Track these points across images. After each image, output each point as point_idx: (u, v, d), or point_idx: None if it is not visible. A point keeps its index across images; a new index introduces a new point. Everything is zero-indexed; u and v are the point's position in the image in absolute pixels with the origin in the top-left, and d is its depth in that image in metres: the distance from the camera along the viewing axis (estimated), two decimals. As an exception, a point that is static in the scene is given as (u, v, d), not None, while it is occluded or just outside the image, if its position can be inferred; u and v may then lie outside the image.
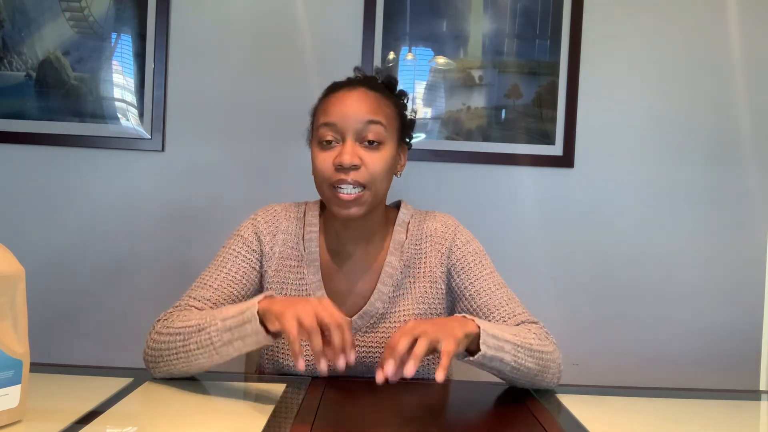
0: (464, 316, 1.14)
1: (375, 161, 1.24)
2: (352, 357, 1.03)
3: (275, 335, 1.09)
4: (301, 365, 1.02)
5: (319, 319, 1.03)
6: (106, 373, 1.24)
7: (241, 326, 1.09)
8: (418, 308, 1.32)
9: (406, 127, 1.35)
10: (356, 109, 1.24)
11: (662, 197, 2.24)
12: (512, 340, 1.15)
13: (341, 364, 1.02)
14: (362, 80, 1.32)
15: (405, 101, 1.37)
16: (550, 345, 1.22)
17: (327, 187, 1.25)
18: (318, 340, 1.01)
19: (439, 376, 1.01)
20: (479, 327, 1.11)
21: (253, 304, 1.09)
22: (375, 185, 1.24)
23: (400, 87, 1.38)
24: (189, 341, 1.14)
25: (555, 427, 1.05)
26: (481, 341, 1.10)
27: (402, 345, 1.02)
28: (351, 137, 1.24)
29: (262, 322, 1.07)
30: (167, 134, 2.19)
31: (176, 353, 1.15)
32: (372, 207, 1.27)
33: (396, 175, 1.33)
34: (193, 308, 1.24)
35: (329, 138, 1.24)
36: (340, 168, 1.22)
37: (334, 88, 1.30)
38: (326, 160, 1.24)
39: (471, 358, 1.12)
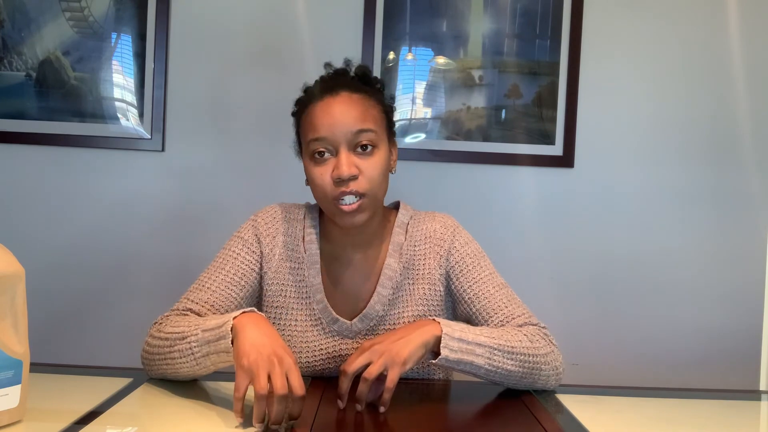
0: (434, 319, 1.16)
1: (371, 167, 1.23)
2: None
3: None
4: (239, 419, 0.99)
5: (273, 385, 0.96)
6: (106, 373, 1.24)
7: (216, 341, 1.07)
8: (417, 310, 1.31)
9: (391, 122, 1.33)
10: (344, 119, 1.22)
11: (662, 197, 2.24)
12: (488, 343, 1.15)
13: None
14: (340, 81, 1.28)
15: (382, 89, 1.33)
16: (545, 347, 1.22)
17: (329, 202, 1.23)
18: (261, 408, 0.96)
19: (381, 408, 1.09)
20: (442, 331, 1.13)
21: (229, 320, 1.06)
22: (374, 191, 1.24)
23: (377, 76, 1.35)
24: (173, 348, 1.13)
25: (555, 427, 1.05)
26: (442, 345, 1.12)
27: (353, 368, 1.08)
28: (344, 148, 1.22)
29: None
30: (167, 134, 2.19)
31: (164, 359, 1.15)
32: (374, 211, 1.27)
33: (391, 172, 1.31)
34: (189, 312, 1.23)
35: (322, 151, 1.23)
36: (339, 181, 1.21)
37: (317, 96, 1.26)
38: (324, 174, 1.22)
39: (433, 361, 1.14)
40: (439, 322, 1.15)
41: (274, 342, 1.03)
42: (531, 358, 1.19)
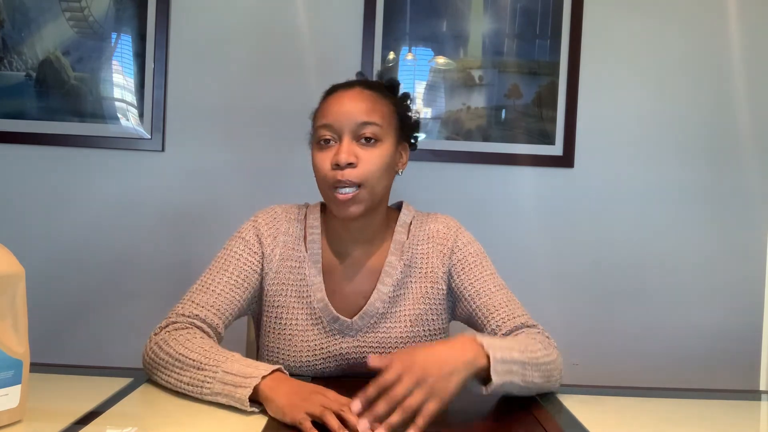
0: (474, 339, 1.09)
1: (371, 158, 1.25)
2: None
3: (255, 404, 1.06)
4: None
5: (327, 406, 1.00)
6: (106, 373, 1.24)
7: (235, 388, 1.06)
8: (418, 308, 1.32)
9: (406, 126, 1.35)
10: (351, 108, 1.25)
11: (662, 197, 2.25)
12: (520, 359, 1.12)
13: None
14: (360, 81, 1.34)
15: (408, 102, 1.38)
16: (553, 351, 1.21)
17: (326, 187, 1.26)
18: (333, 419, 0.97)
19: None
20: (488, 356, 1.07)
21: (257, 378, 1.06)
22: (371, 183, 1.25)
23: (404, 90, 1.39)
24: (183, 372, 1.12)
25: (555, 427, 1.05)
26: (492, 370, 1.07)
27: (400, 393, 0.98)
28: (347, 136, 1.25)
29: (255, 396, 1.05)
30: (167, 134, 2.19)
31: (169, 375, 1.14)
32: (371, 205, 1.27)
33: (397, 173, 1.33)
34: (195, 318, 1.22)
35: (327, 137, 1.26)
36: (336, 167, 1.23)
37: (332, 91, 1.32)
38: (324, 160, 1.25)
39: (484, 390, 1.09)
40: (481, 344, 1.08)
41: (306, 386, 1.06)
42: (548, 366, 1.18)
